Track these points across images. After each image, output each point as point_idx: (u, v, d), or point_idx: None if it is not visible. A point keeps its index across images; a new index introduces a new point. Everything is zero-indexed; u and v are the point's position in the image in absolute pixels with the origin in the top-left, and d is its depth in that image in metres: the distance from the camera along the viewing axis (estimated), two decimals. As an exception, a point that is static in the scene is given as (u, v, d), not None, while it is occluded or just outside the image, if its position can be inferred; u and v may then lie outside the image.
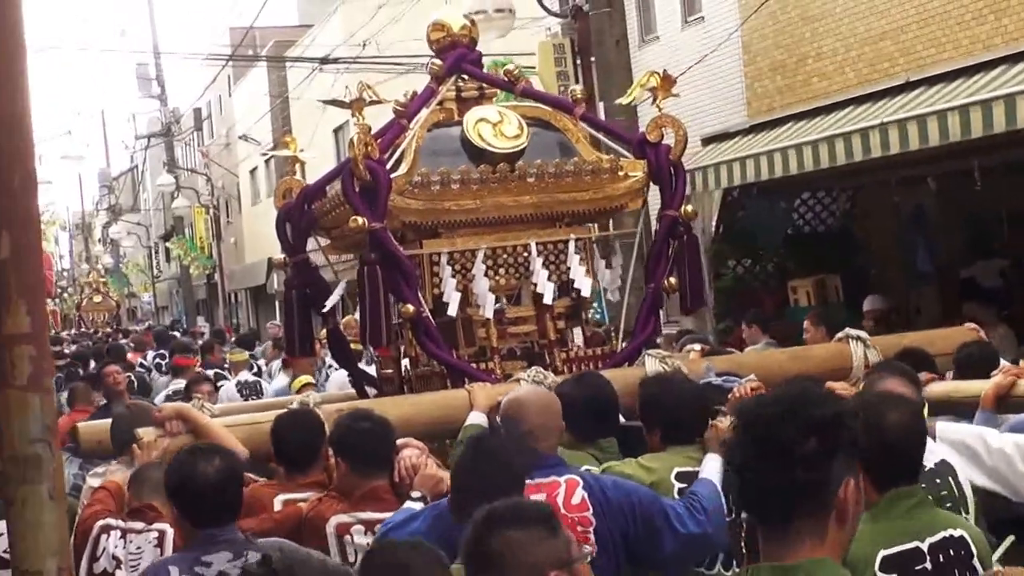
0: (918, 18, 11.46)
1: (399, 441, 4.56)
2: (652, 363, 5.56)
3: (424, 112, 6.06)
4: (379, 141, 5.77)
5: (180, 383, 9.95)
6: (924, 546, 3.10)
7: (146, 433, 4.91)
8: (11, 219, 2.06)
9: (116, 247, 56.86)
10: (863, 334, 5.84)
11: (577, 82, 13.06)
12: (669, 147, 6.04)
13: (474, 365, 5.73)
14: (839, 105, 11.79)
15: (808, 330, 8.72)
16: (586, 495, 3.97)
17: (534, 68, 14.28)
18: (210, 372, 11.26)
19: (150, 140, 38.33)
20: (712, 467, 4.31)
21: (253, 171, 34.00)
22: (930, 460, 3.66)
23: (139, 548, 4.27)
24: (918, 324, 11.39)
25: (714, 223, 13.34)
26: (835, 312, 11.06)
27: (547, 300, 5.78)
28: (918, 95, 10.50)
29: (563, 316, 6.07)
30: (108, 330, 29.41)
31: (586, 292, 5.85)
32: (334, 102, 6.12)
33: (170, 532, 4.23)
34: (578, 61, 13.70)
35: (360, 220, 5.50)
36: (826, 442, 2.15)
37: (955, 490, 3.83)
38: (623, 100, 6.34)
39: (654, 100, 6.12)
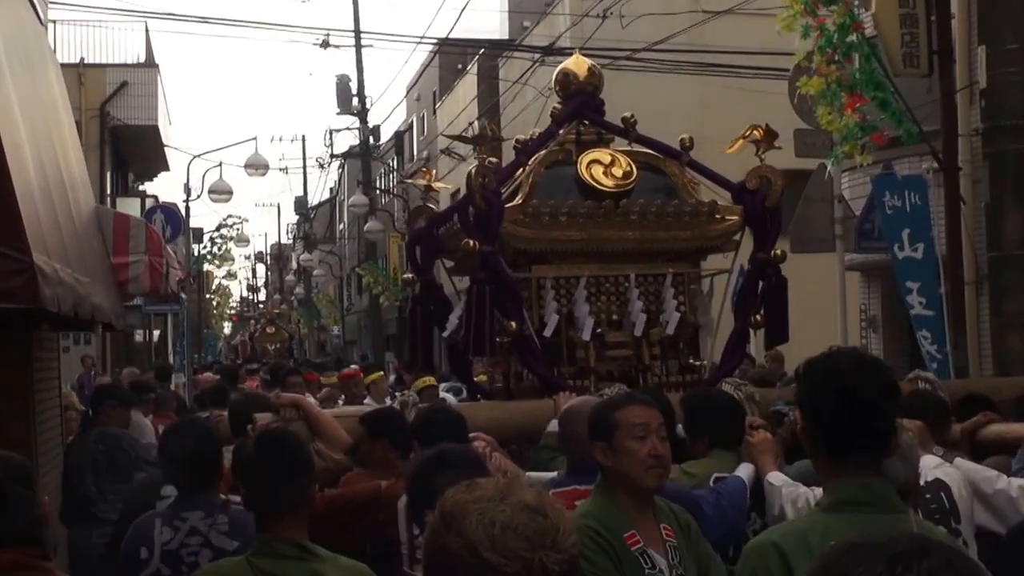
0: None
1: (471, 435, 6.12)
2: (728, 389, 7.19)
3: (543, 151, 7.96)
4: (498, 174, 7.68)
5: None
6: None
7: (263, 418, 6.44)
8: None
9: (308, 276, 60.51)
10: (931, 375, 7.38)
11: (930, 30, 11.59)
12: (765, 195, 7.75)
13: (571, 382, 7.51)
14: None
15: None
16: None
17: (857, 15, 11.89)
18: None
19: (346, 158, 41.27)
20: (745, 471, 5.94)
21: (455, 195, 35.84)
22: (927, 476, 5.21)
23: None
24: None
25: None
26: None
27: (637, 331, 7.56)
28: None
29: (659, 344, 7.80)
30: (280, 360, 32.31)
31: (672, 325, 7.57)
32: (458, 137, 8.07)
33: None
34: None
35: (472, 243, 7.38)
36: None
37: (946, 504, 5.42)
38: (728, 150, 8.00)
39: (757, 152, 7.84)
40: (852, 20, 11.35)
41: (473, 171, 7.48)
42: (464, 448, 4.68)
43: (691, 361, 7.95)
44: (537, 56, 23.70)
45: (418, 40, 32.83)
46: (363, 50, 34.55)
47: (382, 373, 14.83)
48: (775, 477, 5.69)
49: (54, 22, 22.45)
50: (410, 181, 25.67)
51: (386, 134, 44.57)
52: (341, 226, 58.22)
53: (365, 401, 13.24)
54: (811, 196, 14.67)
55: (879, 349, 16.43)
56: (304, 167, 59.62)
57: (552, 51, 22.16)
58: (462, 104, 33.96)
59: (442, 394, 12.64)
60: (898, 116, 11.20)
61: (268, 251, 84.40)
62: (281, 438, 4.62)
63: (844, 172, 14.49)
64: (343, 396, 12.93)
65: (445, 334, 8.01)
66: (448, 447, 4.66)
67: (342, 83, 36.82)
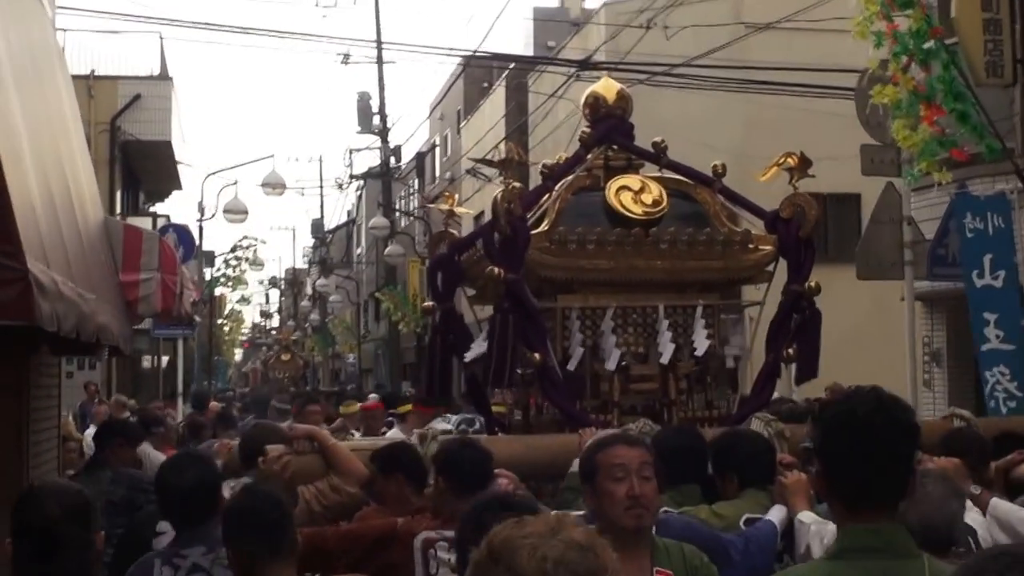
0: None
1: (495, 471, 6.04)
2: (757, 425, 7.18)
3: (570, 176, 7.95)
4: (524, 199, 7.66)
5: None
6: None
7: (274, 449, 6.41)
8: None
9: (323, 302, 60.70)
10: (966, 413, 7.35)
11: (1014, 37, 11.08)
12: (799, 224, 7.72)
13: (594, 416, 7.46)
14: None
15: None
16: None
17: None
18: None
19: (366, 179, 41.39)
20: (777, 514, 5.91)
21: (479, 218, 35.72)
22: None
23: None
24: None
25: None
26: None
27: (663, 360, 7.51)
28: None
29: (686, 377, 7.77)
30: (292, 389, 32.34)
31: (701, 350, 7.54)
32: (483, 161, 8.07)
33: None
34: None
35: (496, 270, 7.34)
36: None
37: (973, 548, 5.40)
38: (761, 178, 7.97)
39: (791, 180, 7.82)
40: (928, 25, 10.74)
41: (499, 196, 7.44)
42: (529, 498, 4.74)
43: (729, 392, 7.94)
44: (573, 71, 23.29)
45: (447, 53, 32.83)
46: (384, 67, 34.70)
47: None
48: (806, 515, 5.72)
49: (64, 31, 22.50)
50: (432, 205, 25.63)
51: (408, 155, 44.74)
52: (359, 250, 58.41)
53: (389, 434, 13.24)
54: (878, 218, 14.06)
55: (943, 385, 16.12)
56: (321, 188, 60.14)
57: (587, 66, 21.56)
58: (488, 123, 33.89)
59: (442, 425, 12.62)
60: (979, 130, 10.58)
61: (283, 276, 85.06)
62: (260, 490, 4.84)
63: (912, 192, 14.09)
64: (360, 428, 12.87)
65: (467, 358, 7.98)
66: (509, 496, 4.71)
67: (363, 101, 36.90)
